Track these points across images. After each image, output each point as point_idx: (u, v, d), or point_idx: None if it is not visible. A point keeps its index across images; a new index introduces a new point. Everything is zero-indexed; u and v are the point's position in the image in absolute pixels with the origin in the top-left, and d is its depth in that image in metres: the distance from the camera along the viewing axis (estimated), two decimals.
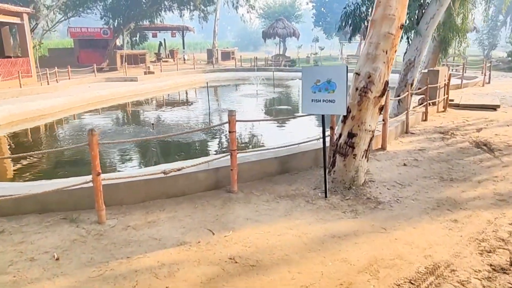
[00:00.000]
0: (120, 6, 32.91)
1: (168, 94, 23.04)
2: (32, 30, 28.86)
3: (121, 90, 20.78)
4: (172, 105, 19.17)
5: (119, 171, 8.38)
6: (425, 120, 11.16)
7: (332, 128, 6.69)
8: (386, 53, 5.74)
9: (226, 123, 5.78)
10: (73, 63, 32.15)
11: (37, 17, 29.93)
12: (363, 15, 12.51)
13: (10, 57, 22.65)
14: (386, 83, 5.87)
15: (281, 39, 39.55)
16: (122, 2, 33.17)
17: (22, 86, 18.61)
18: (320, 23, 56.28)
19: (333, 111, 5.39)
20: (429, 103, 11.26)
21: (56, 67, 23.09)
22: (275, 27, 36.75)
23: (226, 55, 42.66)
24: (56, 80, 20.75)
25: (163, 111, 17.19)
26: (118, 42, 36.50)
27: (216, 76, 30.20)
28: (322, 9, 56.24)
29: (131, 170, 8.20)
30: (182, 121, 14.28)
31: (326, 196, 5.59)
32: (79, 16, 35.32)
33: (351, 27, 12.83)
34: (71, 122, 15.05)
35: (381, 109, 6.00)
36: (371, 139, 6.04)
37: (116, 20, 33.44)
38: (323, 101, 5.28)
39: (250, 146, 10.59)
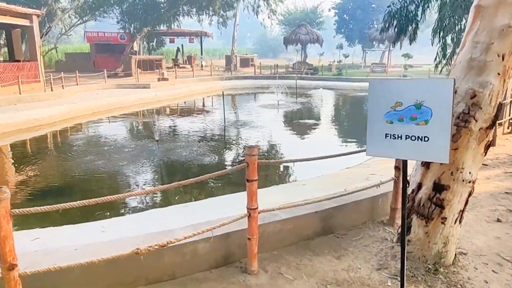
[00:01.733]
0: (137, 10, 31.40)
1: (182, 103, 21.12)
2: (45, 34, 27.52)
3: (130, 98, 18.95)
4: (184, 115, 17.18)
5: None
6: (493, 145, 8.78)
7: (398, 169, 4.50)
8: (503, 59, 3.51)
9: (242, 163, 3.64)
10: (89, 68, 30.82)
11: (51, 20, 28.59)
12: (411, 15, 10.24)
13: (19, 61, 21.18)
14: (499, 106, 3.64)
15: (302, 46, 37.42)
16: (139, 6, 31.67)
17: (26, 92, 16.99)
18: (342, 30, 53.96)
19: (426, 156, 3.15)
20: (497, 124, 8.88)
21: (76, 71, 21.58)
22: (298, 33, 34.63)
23: (245, 62, 40.74)
24: (62, 86, 19.07)
25: (173, 123, 15.20)
26: (136, 47, 35.01)
27: (234, 84, 28.23)
28: (345, 16, 53.93)
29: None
30: (192, 136, 12.22)
31: None
32: (95, 20, 34.02)
33: (395, 29, 10.58)
34: (66, 134, 13.18)
35: (487, 147, 3.75)
36: (469, 194, 3.79)
37: (133, 25, 31.94)
38: (407, 138, 3.07)
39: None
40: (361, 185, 6.06)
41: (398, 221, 4.70)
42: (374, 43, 46.28)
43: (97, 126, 14.69)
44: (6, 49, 25.84)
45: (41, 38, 23.90)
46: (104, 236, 4.27)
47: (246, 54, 47.22)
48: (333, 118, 16.55)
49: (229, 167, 8.55)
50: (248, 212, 3.61)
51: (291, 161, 4.06)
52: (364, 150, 3.23)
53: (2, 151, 10.79)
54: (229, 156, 9.78)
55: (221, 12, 34.66)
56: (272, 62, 41.40)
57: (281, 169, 8.54)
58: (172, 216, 4.73)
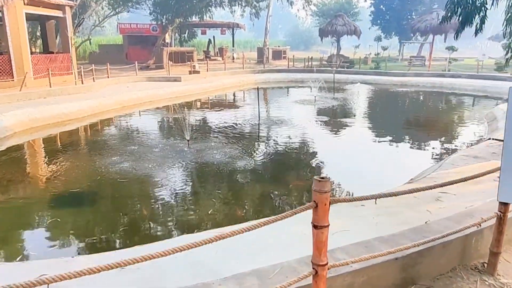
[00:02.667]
0: (169, 1, 30.67)
1: (213, 97, 20.25)
2: (78, 25, 27.27)
3: (160, 91, 18.23)
4: (216, 111, 16.28)
5: None
6: None
7: (505, 204, 3.37)
8: None
9: (309, 208, 2.61)
10: (122, 60, 30.53)
11: (85, 11, 28.34)
12: (479, 2, 8.81)
13: (52, 53, 20.91)
14: None
15: (336, 38, 35.68)
16: None
17: (58, 84, 16.62)
18: (379, 21, 51.44)
19: None
20: None
21: (107, 64, 21.17)
22: (334, 24, 32.93)
23: (277, 54, 39.46)
24: (93, 78, 18.59)
25: (204, 119, 14.31)
26: (167, 39, 34.45)
27: (266, 77, 27.10)
28: (381, 6, 51.35)
29: None
30: (224, 135, 11.27)
31: None
32: (128, 12, 33.64)
33: (459, 18, 9.16)
34: (94, 130, 12.53)
35: None
36: None
37: (165, 16, 31.27)
38: None
39: None
40: (436, 210, 4.91)
41: (502, 270, 3.55)
42: (413, 35, 43.83)
43: (125, 121, 14.02)
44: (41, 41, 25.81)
45: (74, 29, 23.62)
46: (122, 278, 3.36)
47: (279, 46, 45.87)
48: (379, 118, 15.19)
49: (272, 187, 7.53)
50: (313, 268, 2.58)
51: (379, 196, 2.97)
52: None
53: (21, 148, 10.22)
54: (266, 161, 8.76)
55: (254, 3, 33.46)
56: (304, 55, 39.92)
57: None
58: (209, 254, 3.76)
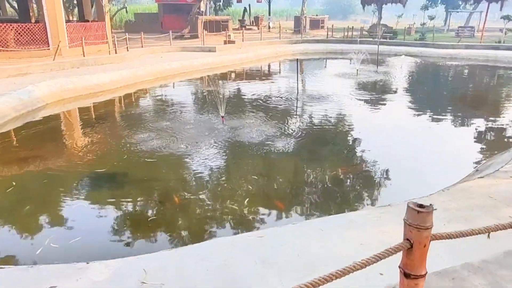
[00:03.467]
0: None
1: (249, 68, 19.31)
2: None
3: (195, 62, 17.50)
4: (252, 83, 15.39)
5: None
6: None
7: None
8: None
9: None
10: (157, 29, 29.94)
11: None
12: None
13: (87, 21, 20.52)
14: None
15: (377, 7, 33.19)
16: None
17: (92, 53, 16.23)
18: None
19: None
20: None
21: (141, 33, 20.67)
22: None
23: (315, 24, 37.52)
24: (127, 48, 18.06)
25: (240, 93, 13.51)
26: (202, 7, 33.33)
27: (304, 48, 25.71)
28: None
29: None
30: (261, 111, 10.46)
31: None
32: None
33: None
34: (125, 103, 12.04)
35: None
36: None
37: None
38: None
39: None
40: None
41: None
42: (461, 3, 40.32)
43: (158, 94, 13.45)
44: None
45: None
46: None
47: (317, 15, 43.65)
48: (429, 95, 13.81)
49: (312, 165, 6.70)
50: None
51: (495, 229, 2.11)
52: None
53: (52, 120, 9.87)
54: (306, 143, 7.92)
55: None
56: (343, 24, 37.74)
57: (368, 179, 6.55)
58: (247, 268, 3.08)
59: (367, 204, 5.10)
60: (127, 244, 4.37)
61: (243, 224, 4.73)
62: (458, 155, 7.38)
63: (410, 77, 16.90)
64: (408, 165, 6.76)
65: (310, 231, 3.78)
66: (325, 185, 5.88)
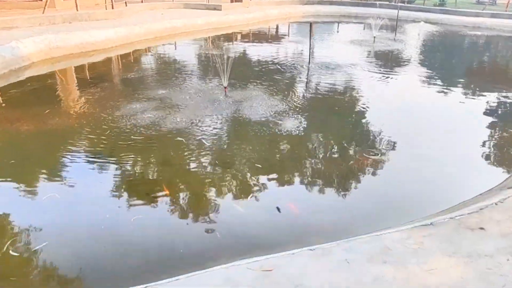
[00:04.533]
0: None
1: (256, 30, 17.82)
2: None
3: (198, 21, 16.07)
4: (259, 47, 14.05)
5: None
6: None
7: None
8: None
9: None
10: None
11: None
12: None
13: None
14: None
15: None
16: None
17: (89, 7, 14.81)
18: None
19: None
20: None
21: None
22: None
23: None
24: (125, 3, 16.55)
25: (245, 58, 12.26)
26: None
27: (316, 10, 23.92)
28: None
29: None
30: (267, 80, 9.30)
31: None
32: None
33: None
34: (119, 64, 10.86)
35: None
36: None
37: None
38: None
39: None
40: None
41: None
42: None
43: (156, 56, 12.22)
44: None
45: None
46: None
47: None
48: (455, 69, 12.51)
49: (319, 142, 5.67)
50: None
51: None
52: None
53: (35, 81, 8.77)
54: (317, 123, 6.86)
55: None
56: None
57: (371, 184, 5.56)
58: None
59: (398, 211, 4.13)
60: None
61: (241, 241, 3.81)
62: (492, 140, 6.33)
63: (432, 48, 15.47)
64: (438, 154, 5.73)
65: (334, 264, 2.85)
66: (344, 181, 4.91)
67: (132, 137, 5.85)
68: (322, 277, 2.71)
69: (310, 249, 3.01)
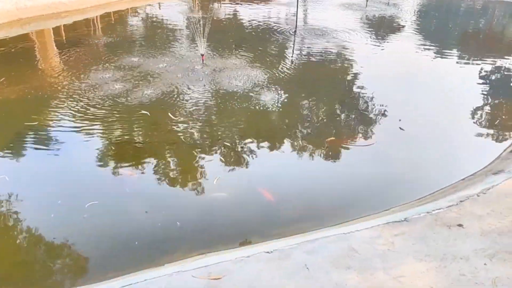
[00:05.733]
0: None
1: None
2: None
3: None
4: (241, 7, 13.20)
5: None
6: None
7: None
8: None
9: None
10: None
11: None
12: None
13: None
14: None
15: None
16: None
17: None
18: None
19: None
20: None
21: None
22: None
23: None
24: None
25: (227, 22, 11.51)
26: None
27: None
28: None
29: None
30: (249, 46, 8.71)
31: None
32: None
33: None
34: (94, 27, 10.11)
35: None
36: None
37: None
38: None
39: None
40: None
41: None
42: None
43: (132, 18, 11.41)
44: None
45: None
46: None
47: None
48: (450, 34, 11.91)
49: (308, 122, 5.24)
50: None
51: None
52: None
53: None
54: (302, 94, 6.40)
55: None
56: None
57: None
58: None
59: (372, 203, 3.78)
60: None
61: (202, 230, 3.47)
62: (481, 114, 5.96)
63: (427, 14, 14.72)
64: (423, 130, 5.36)
65: (291, 270, 2.53)
66: (323, 161, 4.55)
67: (92, 109, 5.38)
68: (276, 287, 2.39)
69: (267, 252, 2.68)
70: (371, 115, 5.72)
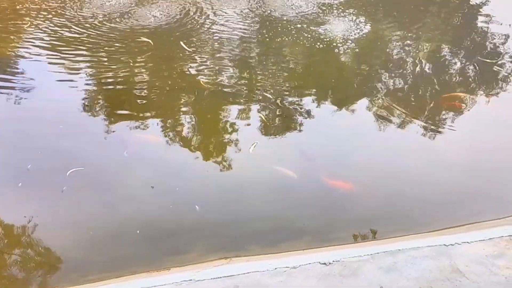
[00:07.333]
0: None
1: None
2: None
3: None
4: None
5: None
6: None
7: None
8: None
9: None
10: None
11: None
12: None
13: None
14: None
15: None
16: None
17: None
18: None
19: None
20: None
21: None
22: None
23: None
24: None
25: None
26: None
27: None
28: None
29: None
30: None
31: None
32: None
33: None
34: None
35: None
36: None
37: None
38: None
39: None
40: None
41: None
42: None
43: None
44: None
45: None
46: None
47: None
48: None
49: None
50: None
51: None
52: None
53: None
54: (394, 26, 6.08)
55: None
56: None
57: None
58: None
59: (492, 204, 3.54)
60: None
61: (229, 218, 3.47)
62: None
63: None
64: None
65: None
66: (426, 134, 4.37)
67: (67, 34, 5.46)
68: None
69: (324, 264, 2.61)
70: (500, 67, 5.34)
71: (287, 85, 4.79)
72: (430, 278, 2.50)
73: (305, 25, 5.70)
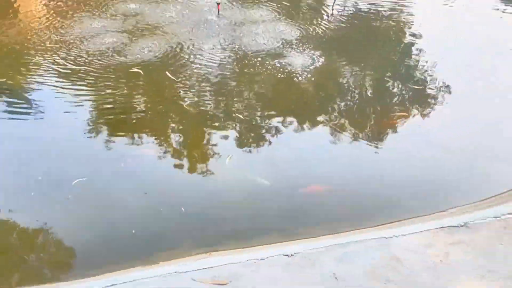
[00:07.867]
0: None
1: None
2: None
3: None
4: None
5: None
6: None
7: None
8: None
9: None
10: None
11: None
12: None
13: None
14: None
15: None
16: None
17: None
18: None
19: None
20: None
21: None
22: None
23: None
24: None
25: None
26: None
27: None
28: None
29: None
30: None
31: None
32: None
33: None
34: None
35: None
36: None
37: None
38: None
39: None
40: None
41: None
42: None
43: None
44: None
45: None
46: None
47: None
48: None
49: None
50: None
51: None
52: None
53: None
54: (344, 57, 6.30)
55: None
56: None
57: None
58: None
59: (424, 202, 3.72)
60: None
61: (211, 220, 3.55)
62: None
63: None
64: (500, 113, 5.21)
65: (314, 279, 2.57)
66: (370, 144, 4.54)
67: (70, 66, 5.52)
68: None
69: (287, 255, 2.71)
70: (430, 91, 5.59)
71: (258, 108, 4.95)
72: (374, 264, 2.61)
73: (269, 58, 5.83)
